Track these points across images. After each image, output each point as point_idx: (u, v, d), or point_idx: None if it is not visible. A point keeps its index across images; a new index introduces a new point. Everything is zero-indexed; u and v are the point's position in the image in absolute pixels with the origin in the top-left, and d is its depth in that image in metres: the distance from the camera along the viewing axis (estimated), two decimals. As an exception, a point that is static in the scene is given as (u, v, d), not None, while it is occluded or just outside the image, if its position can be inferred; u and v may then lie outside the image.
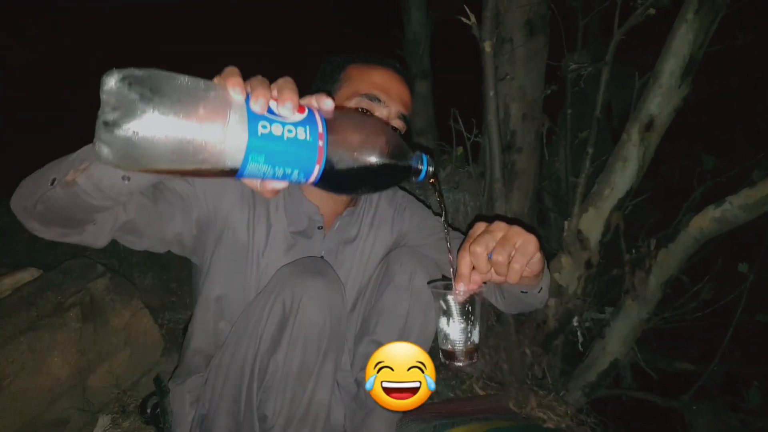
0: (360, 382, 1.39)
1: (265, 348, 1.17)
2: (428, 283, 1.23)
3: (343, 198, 1.38)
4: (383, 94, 1.29)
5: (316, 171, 0.69)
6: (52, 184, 0.87)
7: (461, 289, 0.96)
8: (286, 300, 1.14)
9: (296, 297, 1.14)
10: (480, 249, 0.91)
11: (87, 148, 0.87)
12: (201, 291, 1.34)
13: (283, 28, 6.47)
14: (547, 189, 3.21)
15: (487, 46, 2.01)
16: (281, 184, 0.71)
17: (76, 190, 0.85)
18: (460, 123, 2.61)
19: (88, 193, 0.85)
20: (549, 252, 2.56)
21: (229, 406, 1.23)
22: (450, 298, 0.98)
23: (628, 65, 2.50)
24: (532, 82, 2.59)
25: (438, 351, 1.05)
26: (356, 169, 0.72)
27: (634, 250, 2.37)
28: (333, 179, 0.72)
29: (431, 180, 0.91)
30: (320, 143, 0.68)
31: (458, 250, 0.99)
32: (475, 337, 1.01)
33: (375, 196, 1.53)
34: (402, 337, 1.31)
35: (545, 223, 3.28)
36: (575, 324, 2.47)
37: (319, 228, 1.39)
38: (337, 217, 1.42)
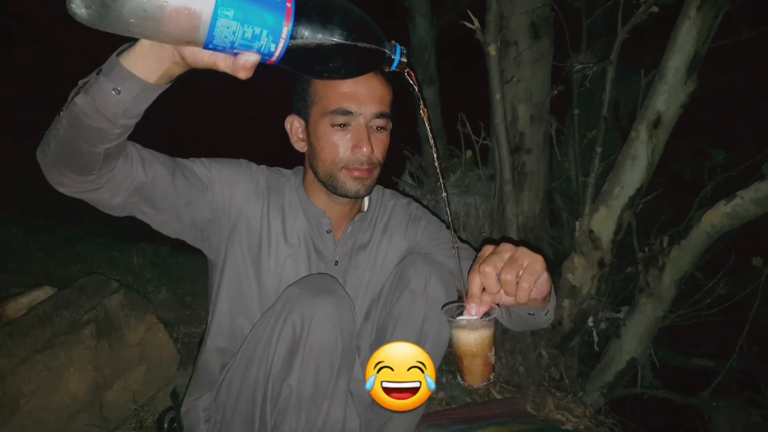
0: None
1: (276, 371, 1.16)
2: (442, 307, 1.23)
3: (347, 201, 1.36)
4: (353, 103, 1.21)
5: (285, 34, 0.70)
6: (59, 115, 0.91)
7: (473, 311, 0.98)
8: (296, 322, 1.13)
9: (306, 319, 1.13)
10: (489, 269, 0.93)
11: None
12: (217, 287, 1.34)
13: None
14: (557, 189, 3.20)
15: (492, 50, 2.02)
16: (253, 57, 0.72)
17: (77, 113, 0.87)
18: (468, 127, 2.61)
19: (86, 113, 0.87)
20: (561, 253, 2.55)
21: (242, 427, 1.23)
22: (463, 319, 1.00)
23: (633, 64, 2.50)
24: (539, 84, 2.59)
25: (450, 356, 1.05)
26: (325, 42, 0.73)
27: (646, 248, 2.36)
28: (300, 51, 0.72)
29: (406, 71, 0.92)
30: (288, 5, 0.70)
31: (468, 271, 1.00)
32: (491, 356, 1.02)
33: (390, 202, 1.51)
34: (419, 344, 1.30)
35: (557, 224, 3.27)
36: (590, 324, 2.45)
37: (327, 232, 1.38)
38: (350, 221, 1.41)
